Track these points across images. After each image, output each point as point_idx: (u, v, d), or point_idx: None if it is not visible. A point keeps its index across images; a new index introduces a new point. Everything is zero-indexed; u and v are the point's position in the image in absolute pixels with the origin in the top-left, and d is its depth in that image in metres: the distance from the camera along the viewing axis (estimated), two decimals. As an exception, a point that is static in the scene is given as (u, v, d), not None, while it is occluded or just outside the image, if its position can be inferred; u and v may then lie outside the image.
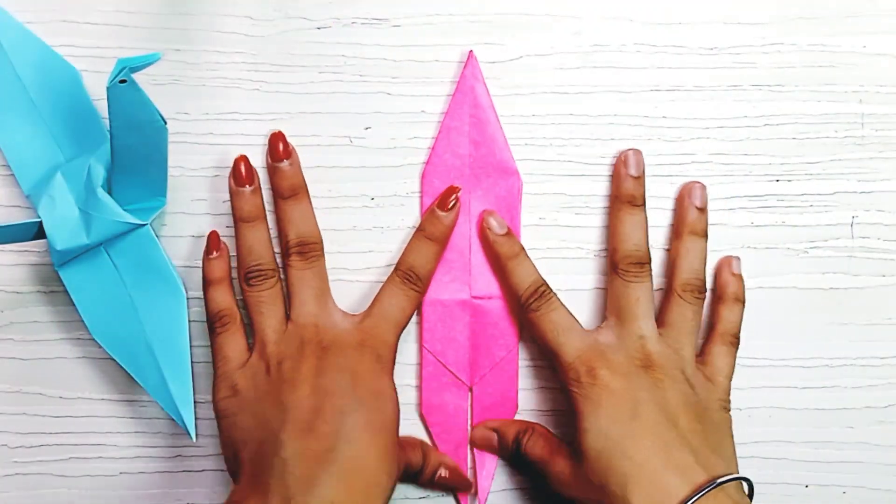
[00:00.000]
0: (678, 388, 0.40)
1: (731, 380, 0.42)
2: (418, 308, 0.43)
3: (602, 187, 0.44)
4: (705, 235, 0.43)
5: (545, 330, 0.41)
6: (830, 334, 0.44)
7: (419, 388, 0.44)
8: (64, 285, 0.41)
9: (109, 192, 0.40)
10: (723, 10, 0.44)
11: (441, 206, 0.42)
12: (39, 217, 0.40)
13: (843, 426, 0.44)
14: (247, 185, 0.42)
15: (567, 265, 0.44)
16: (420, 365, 0.43)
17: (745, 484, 0.39)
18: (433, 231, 0.42)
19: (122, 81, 0.34)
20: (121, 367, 0.41)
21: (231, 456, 0.40)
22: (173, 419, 0.42)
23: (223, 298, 0.42)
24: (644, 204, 0.42)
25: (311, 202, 0.43)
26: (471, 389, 0.43)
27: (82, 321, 0.41)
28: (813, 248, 0.44)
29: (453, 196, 0.42)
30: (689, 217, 0.43)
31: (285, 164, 0.42)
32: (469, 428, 0.44)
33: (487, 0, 0.44)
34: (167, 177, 0.41)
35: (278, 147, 0.42)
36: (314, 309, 0.41)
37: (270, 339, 0.41)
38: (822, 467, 0.44)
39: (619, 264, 0.41)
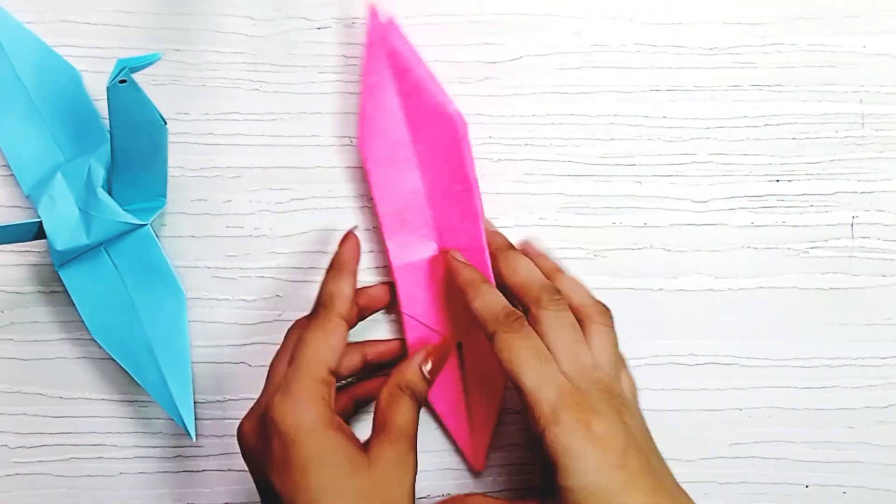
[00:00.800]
0: (641, 419, 0.38)
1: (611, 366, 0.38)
2: (392, 276, 0.42)
3: (602, 187, 0.44)
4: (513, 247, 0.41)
5: (517, 362, 0.36)
6: (830, 334, 0.44)
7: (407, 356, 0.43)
8: (64, 285, 0.41)
9: (109, 192, 0.40)
10: (723, 10, 0.44)
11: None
12: (39, 217, 0.40)
13: (843, 426, 0.44)
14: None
15: (567, 266, 0.44)
16: (404, 333, 0.43)
17: None
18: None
19: (122, 81, 0.34)
20: (121, 367, 0.41)
21: None
22: (173, 419, 0.42)
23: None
24: None
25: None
26: (459, 346, 0.43)
27: (82, 321, 0.41)
28: (813, 248, 0.44)
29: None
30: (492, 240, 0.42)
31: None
32: (463, 385, 0.43)
33: (487, 0, 0.44)
34: (167, 177, 0.41)
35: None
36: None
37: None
38: (822, 467, 0.44)
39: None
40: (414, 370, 0.38)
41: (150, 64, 0.34)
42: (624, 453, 0.34)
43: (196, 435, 0.42)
